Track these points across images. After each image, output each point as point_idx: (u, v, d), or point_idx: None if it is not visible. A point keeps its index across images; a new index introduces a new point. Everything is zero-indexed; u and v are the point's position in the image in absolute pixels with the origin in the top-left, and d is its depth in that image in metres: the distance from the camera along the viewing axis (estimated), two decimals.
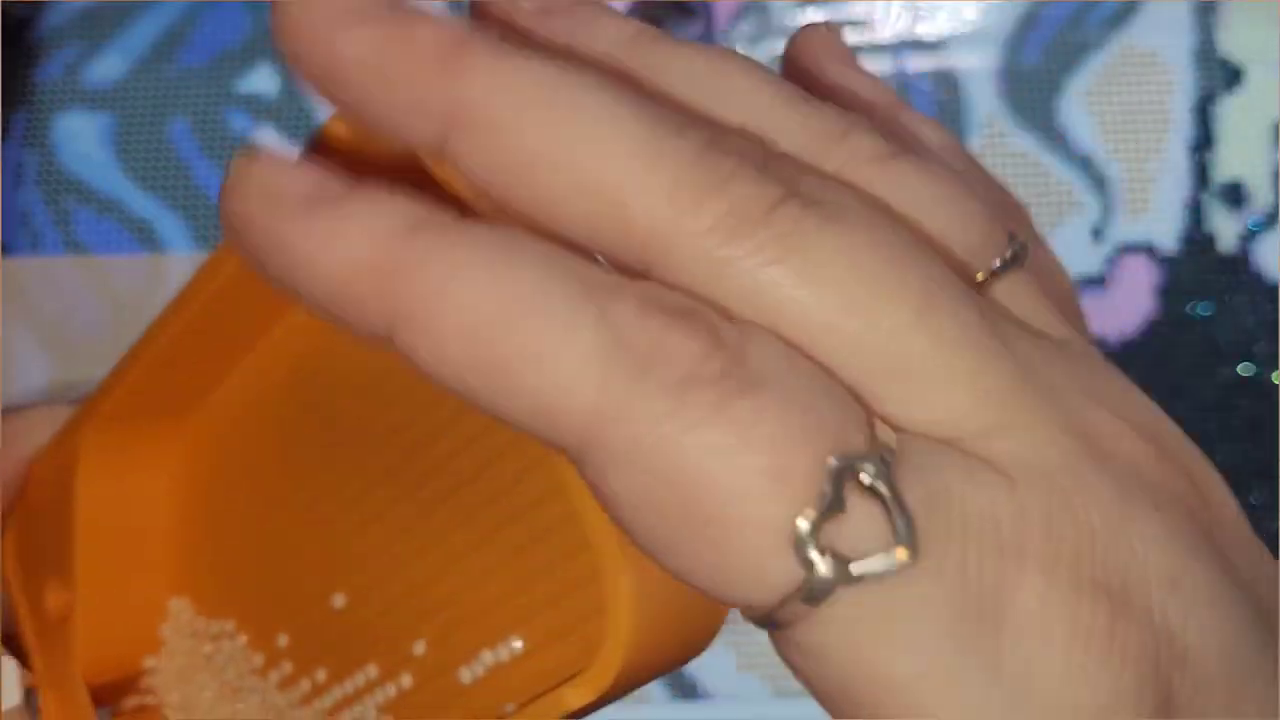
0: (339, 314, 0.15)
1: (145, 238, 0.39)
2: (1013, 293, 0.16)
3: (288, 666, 0.21)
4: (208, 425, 0.22)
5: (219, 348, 0.21)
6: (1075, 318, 0.22)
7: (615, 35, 0.17)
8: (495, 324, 0.14)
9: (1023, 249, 0.17)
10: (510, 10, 0.17)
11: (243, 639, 0.22)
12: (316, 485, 0.21)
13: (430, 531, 0.19)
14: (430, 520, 0.19)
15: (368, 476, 0.20)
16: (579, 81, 0.14)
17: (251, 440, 0.22)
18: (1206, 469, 0.16)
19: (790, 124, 0.16)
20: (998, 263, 0.16)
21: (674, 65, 0.16)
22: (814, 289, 0.14)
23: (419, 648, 0.19)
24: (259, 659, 0.22)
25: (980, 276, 0.16)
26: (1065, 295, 0.23)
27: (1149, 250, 0.38)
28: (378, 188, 0.15)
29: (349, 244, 0.14)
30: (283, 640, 0.21)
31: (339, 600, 0.20)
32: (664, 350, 0.13)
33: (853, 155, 0.16)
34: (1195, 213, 0.38)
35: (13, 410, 0.23)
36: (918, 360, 0.14)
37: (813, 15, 0.39)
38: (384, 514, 0.20)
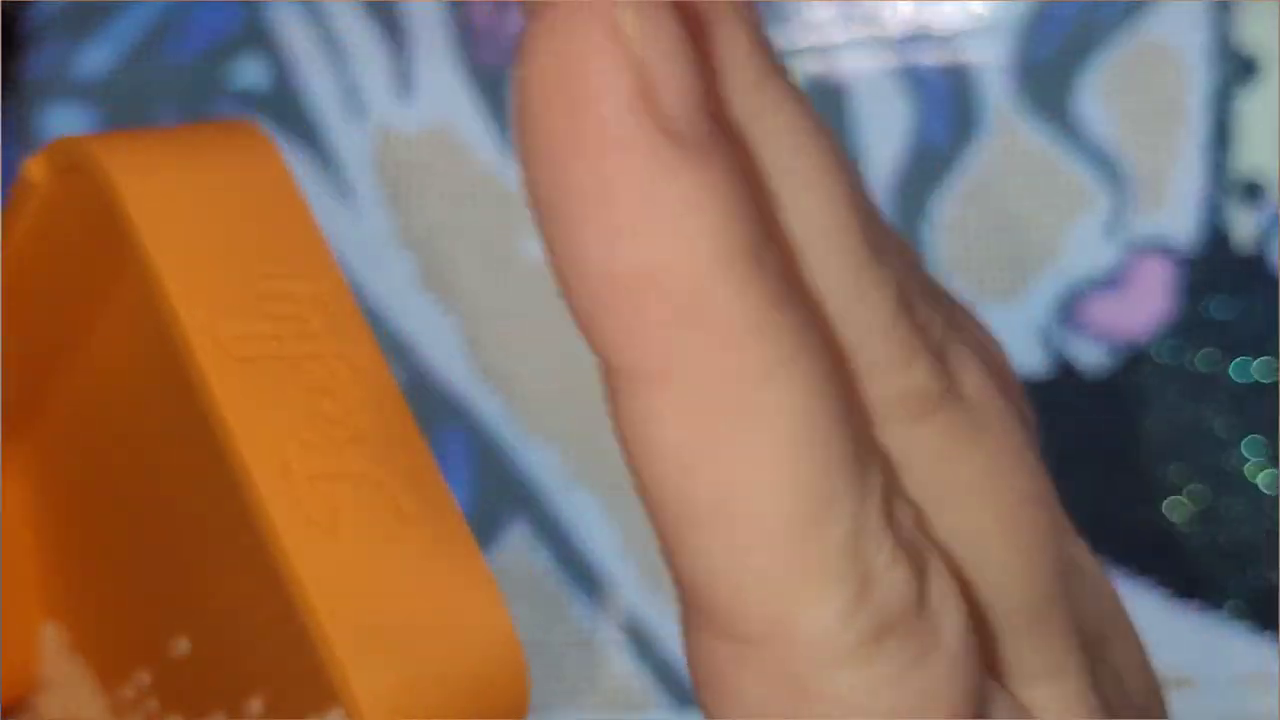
0: (581, 302, 0.11)
1: None
2: None
3: (153, 705, 0.20)
4: (50, 440, 0.21)
5: (29, 351, 0.19)
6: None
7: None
8: (770, 461, 0.11)
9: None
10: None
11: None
12: (154, 512, 0.19)
13: (255, 582, 0.18)
14: (253, 570, 0.18)
15: (197, 510, 0.18)
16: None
17: (92, 457, 0.20)
18: (1158, 702, 0.17)
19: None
20: None
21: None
22: (960, 509, 0.13)
23: (255, 706, 0.18)
24: (128, 692, 0.20)
25: None
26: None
27: (1165, 248, 0.37)
28: (732, 157, 0.11)
29: (665, 253, 0.11)
30: (144, 678, 0.20)
31: (182, 645, 0.19)
32: (887, 584, 0.12)
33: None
34: (1212, 210, 0.37)
35: None
36: (1013, 613, 0.14)
37: (820, 8, 0.39)
38: (213, 556, 0.18)
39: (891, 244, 0.14)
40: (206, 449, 0.16)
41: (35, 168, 0.17)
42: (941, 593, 0.13)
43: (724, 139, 0.11)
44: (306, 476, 0.15)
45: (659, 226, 0.11)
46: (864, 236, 0.12)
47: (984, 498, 0.13)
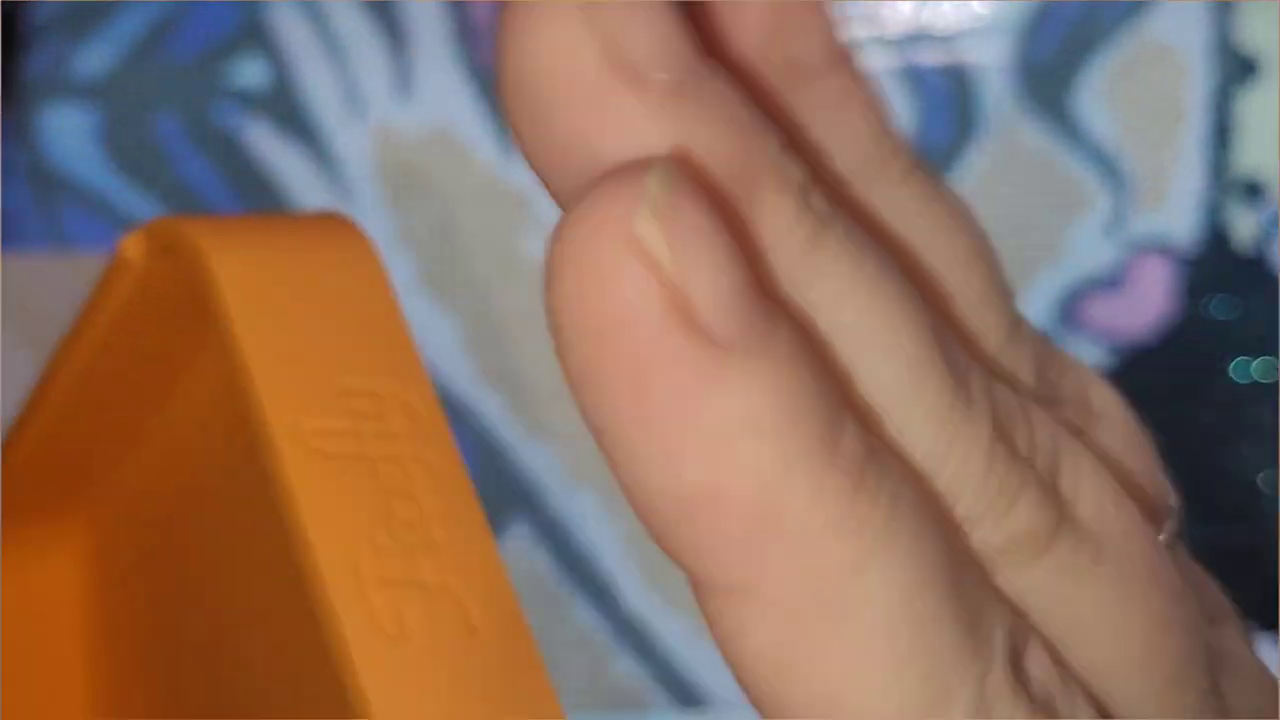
0: (650, 522, 0.11)
1: None
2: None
3: None
4: (112, 518, 0.20)
5: (120, 399, 0.18)
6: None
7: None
8: (870, 660, 0.11)
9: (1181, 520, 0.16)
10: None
11: None
12: (214, 600, 0.18)
13: (316, 683, 0.17)
14: (315, 670, 0.17)
15: (260, 602, 0.17)
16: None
17: (153, 538, 0.19)
18: None
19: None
20: (1167, 532, 0.15)
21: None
22: (1090, 645, 0.13)
23: None
24: None
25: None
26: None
27: (1165, 248, 0.37)
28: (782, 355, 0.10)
29: (722, 472, 0.10)
30: None
31: None
32: None
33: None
34: (1212, 210, 0.37)
35: None
36: None
37: None
38: (273, 651, 0.17)
39: (988, 346, 0.13)
40: (276, 540, 0.15)
41: (131, 247, 0.16)
42: None
43: (778, 321, 0.10)
44: (376, 580, 0.15)
45: (712, 446, 0.10)
46: (945, 380, 0.12)
47: (1112, 632, 0.13)
